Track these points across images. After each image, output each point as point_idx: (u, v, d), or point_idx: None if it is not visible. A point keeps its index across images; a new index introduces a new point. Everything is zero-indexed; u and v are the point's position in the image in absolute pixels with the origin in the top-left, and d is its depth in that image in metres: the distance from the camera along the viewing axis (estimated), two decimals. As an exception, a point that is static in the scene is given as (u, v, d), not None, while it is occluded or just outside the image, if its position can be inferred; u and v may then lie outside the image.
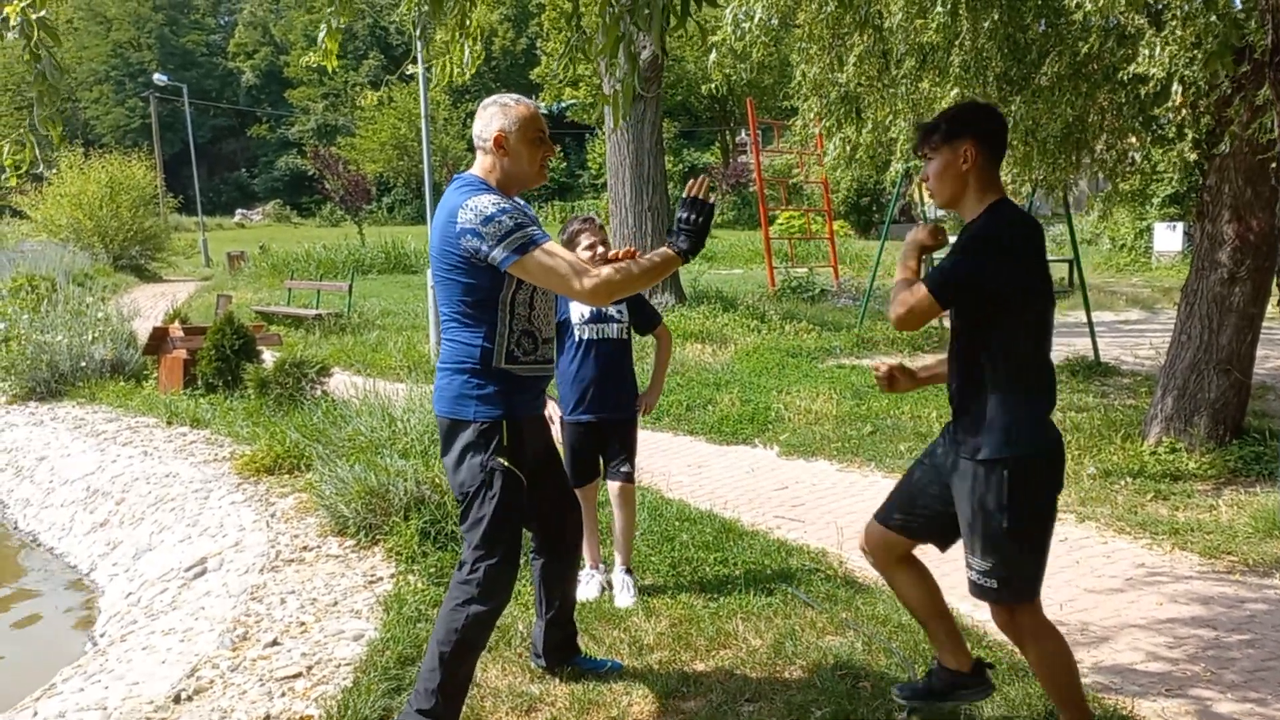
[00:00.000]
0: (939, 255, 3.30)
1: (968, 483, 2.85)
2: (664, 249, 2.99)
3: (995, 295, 2.76)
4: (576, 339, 4.31)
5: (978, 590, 2.90)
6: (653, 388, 4.48)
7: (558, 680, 3.57)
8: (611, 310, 4.31)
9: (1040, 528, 2.86)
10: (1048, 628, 2.95)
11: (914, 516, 3.12)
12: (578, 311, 4.29)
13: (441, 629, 3.08)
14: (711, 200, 3.04)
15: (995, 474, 2.78)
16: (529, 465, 3.16)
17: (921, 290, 2.77)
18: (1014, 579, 2.84)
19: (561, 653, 3.63)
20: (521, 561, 3.28)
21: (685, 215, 3.01)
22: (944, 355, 3.16)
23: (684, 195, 3.05)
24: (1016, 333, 2.81)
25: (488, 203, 2.93)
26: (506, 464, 3.05)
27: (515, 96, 3.15)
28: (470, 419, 3.04)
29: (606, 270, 2.93)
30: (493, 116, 3.08)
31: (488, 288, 3.00)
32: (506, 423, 3.06)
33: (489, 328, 3.03)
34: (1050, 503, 2.88)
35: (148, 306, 17.45)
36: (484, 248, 2.89)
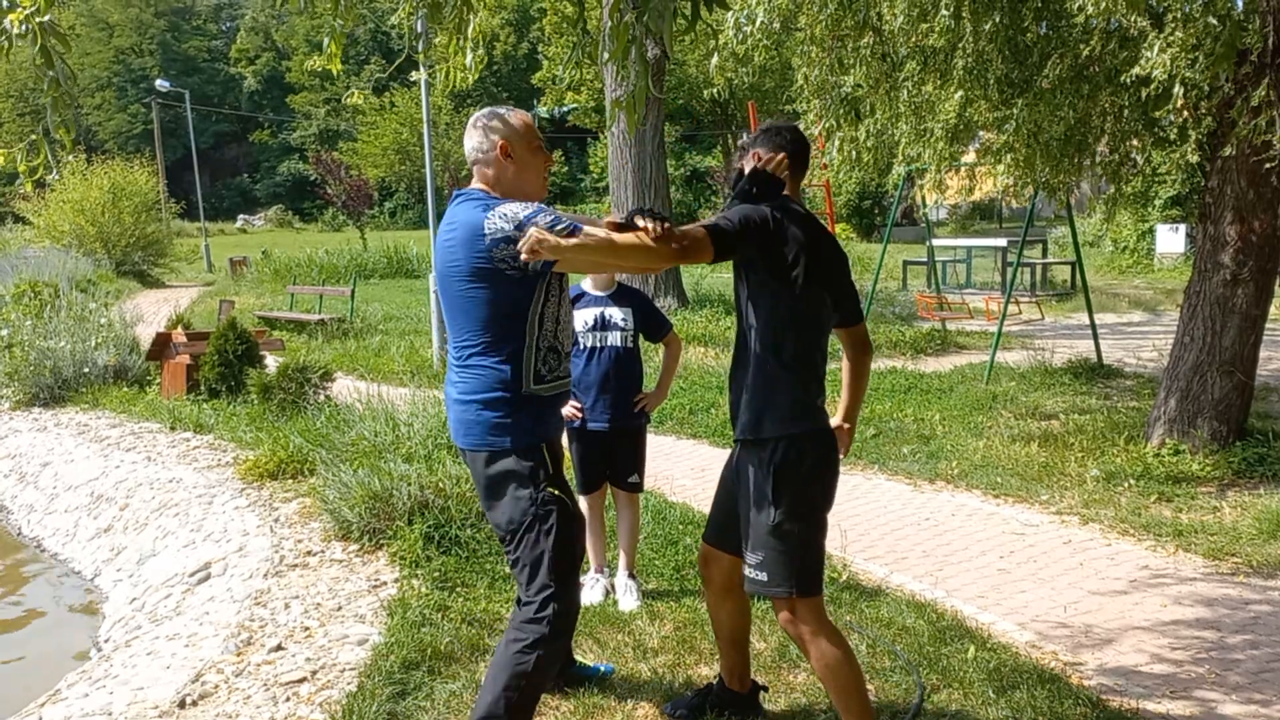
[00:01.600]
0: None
1: (742, 473, 2.91)
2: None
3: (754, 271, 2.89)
4: (581, 346, 4.29)
5: (751, 585, 2.89)
6: (658, 390, 4.45)
7: (561, 685, 3.57)
8: (616, 318, 4.29)
9: (807, 517, 2.86)
10: (829, 629, 2.91)
11: (725, 527, 3.09)
12: (580, 319, 4.27)
13: (506, 674, 2.86)
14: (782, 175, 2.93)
15: (762, 455, 2.86)
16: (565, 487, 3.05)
17: (701, 230, 2.75)
18: (784, 571, 2.83)
19: (561, 662, 3.58)
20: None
21: (745, 187, 2.90)
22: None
23: (752, 167, 2.93)
24: (779, 315, 2.90)
25: (517, 208, 2.83)
26: (558, 493, 2.93)
27: (507, 108, 3.08)
28: (510, 448, 2.90)
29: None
30: (492, 129, 2.99)
31: (516, 301, 2.87)
32: (545, 446, 2.96)
33: (514, 349, 2.89)
34: (816, 496, 2.90)
35: (150, 312, 17.48)
36: (517, 234, 2.75)
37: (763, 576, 2.84)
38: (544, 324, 2.94)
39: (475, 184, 3.03)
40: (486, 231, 2.81)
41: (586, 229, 2.76)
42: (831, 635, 2.89)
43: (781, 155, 2.93)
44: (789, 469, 2.82)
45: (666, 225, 2.66)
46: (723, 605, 3.20)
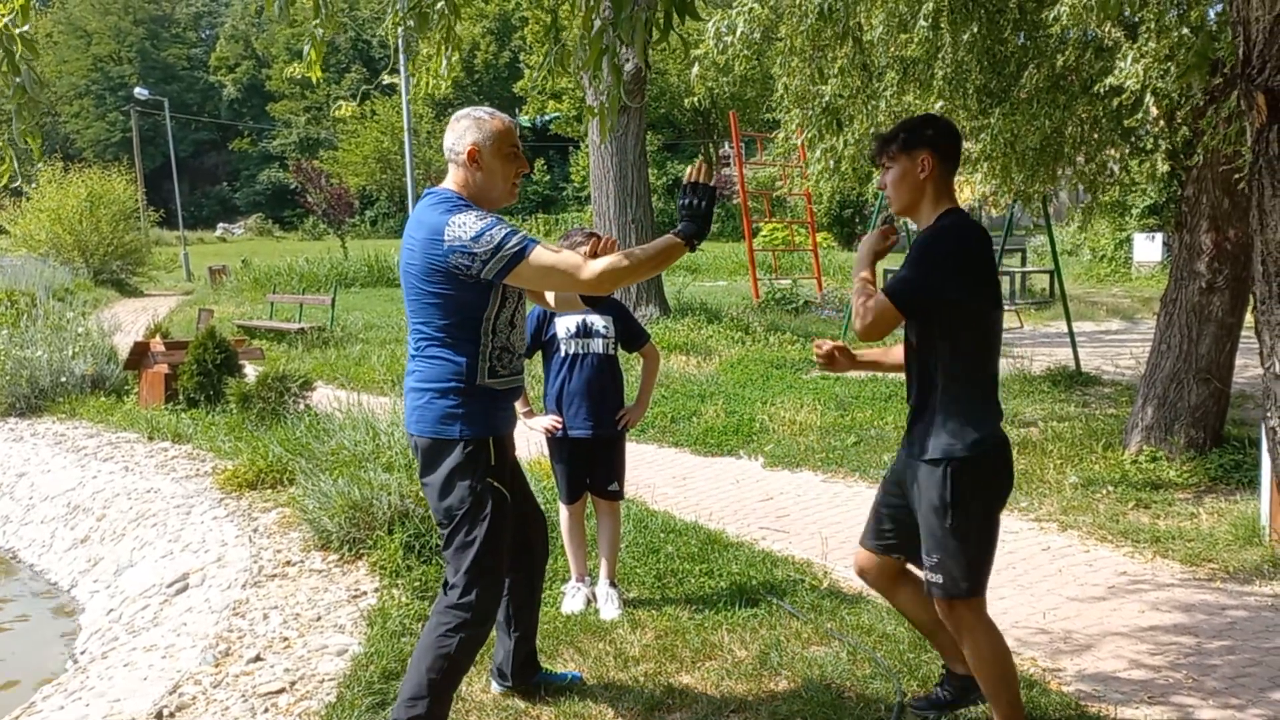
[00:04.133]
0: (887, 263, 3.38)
1: (918, 483, 2.95)
2: (666, 235, 2.92)
3: (949, 305, 2.84)
4: (563, 354, 4.29)
5: (925, 586, 2.99)
6: (638, 404, 4.45)
7: (543, 695, 3.56)
8: (598, 325, 4.29)
9: (982, 525, 2.94)
10: (988, 625, 3.02)
11: (886, 533, 3.21)
12: (563, 326, 4.27)
13: (429, 655, 2.99)
14: (712, 183, 3.00)
15: (939, 472, 2.88)
16: (507, 482, 3.13)
17: (884, 299, 2.82)
18: (955, 574, 2.91)
19: (526, 671, 3.56)
20: None
21: (686, 200, 2.95)
22: (885, 347, 3.29)
23: (684, 181, 2.99)
24: (966, 342, 2.90)
25: (473, 219, 2.89)
26: (496, 484, 3.02)
27: (489, 110, 3.11)
28: (456, 438, 2.99)
29: (608, 259, 2.88)
30: (466, 130, 3.03)
31: (472, 306, 2.96)
32: (492, 440, 3.04)
33: (470, 346, 2.99)
34: (992, 502, 2.97)
35: (129, 321, 17.34)
36: (475, 265, 2.87)
37: (937, 579, 2.94)
38: (498, 326, 3.04)
39: (447, 183, 3.08)
40: (445, 238, 2.89)
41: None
42: (990, 632, 3.02)
43: (700, 160, 3.12)
44: (973, 482, 2.92)
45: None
46: (894, 595, 3.30)
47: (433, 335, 3.01)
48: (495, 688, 3.61)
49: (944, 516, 2.88)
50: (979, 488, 2.91)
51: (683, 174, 3.12)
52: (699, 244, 2.93)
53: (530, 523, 3.43)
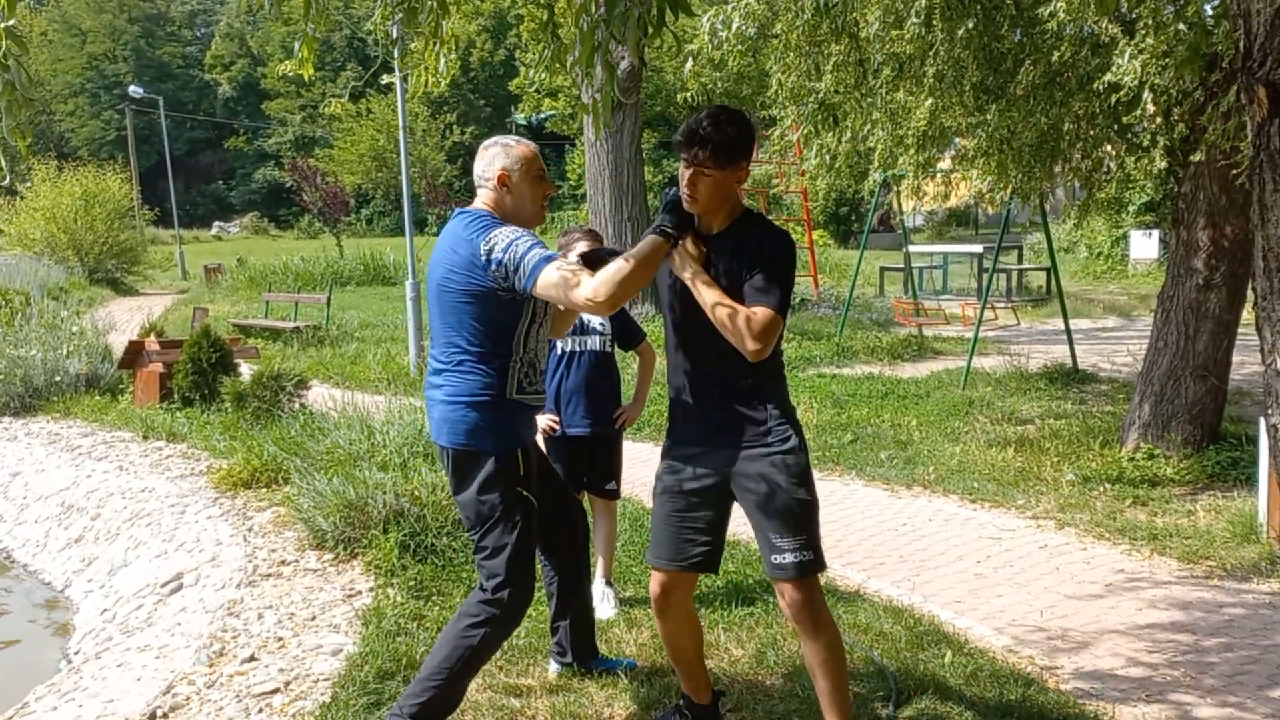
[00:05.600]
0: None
1: (767, 475, 2.90)
2: (647, 235, 2.92)
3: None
4: (559, 351, 4.27)
5: (798, 568, 2.89)
6: (634, 403, 4.43)
7: (538, 691, 3.55)
8: (595, 322, 4.27)
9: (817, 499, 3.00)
10: (831, 617, 3.01)
11: (695, 545, 3.06)
12: (560, 324, 4.26)
13: (451, 644, 3.12)
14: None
15: (792, 459, 2.90)
16: (534, 482, 3.26)
17: (766, 313, 2.77)
18: (817, 547, 2.93)
19: (585, 651, 3.71)
20: None
21: (668, 193, 2.98)
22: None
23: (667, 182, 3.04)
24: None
25: (508, 233, 3.02)
26: (527, 494, 3.16)
27: (516, 137, 3.29)
28: (490, 451, 3.10)
29: (602, 278, 2.85)
30: (495, 156, 3.19)
31: (506, 321, 3.09)
32: (521, 451, 3.16)
33: (502, 360, 3.11)
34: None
35: (123, 320, 17.31)
36: (514, 278, 2.97)
37: (809, 556, 2.90)
38: (529, 341, 3.17)
39: (479, 203, 3.22)
40: (483, 253, 3.01)
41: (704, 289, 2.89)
42: (834, 624, 3.01)
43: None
44: (807, 461, 2.97)
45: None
46: (684, 628, 3.18)
47: (466, 349, 3.11)
48: (554, 667, 3.73)
49: (804, 495, 2.90)
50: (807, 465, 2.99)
51: (677, 173, 3.08)
52: (677, 236, 2.90)
53: (564, 507, 3.58)
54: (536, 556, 3.38)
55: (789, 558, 2.88)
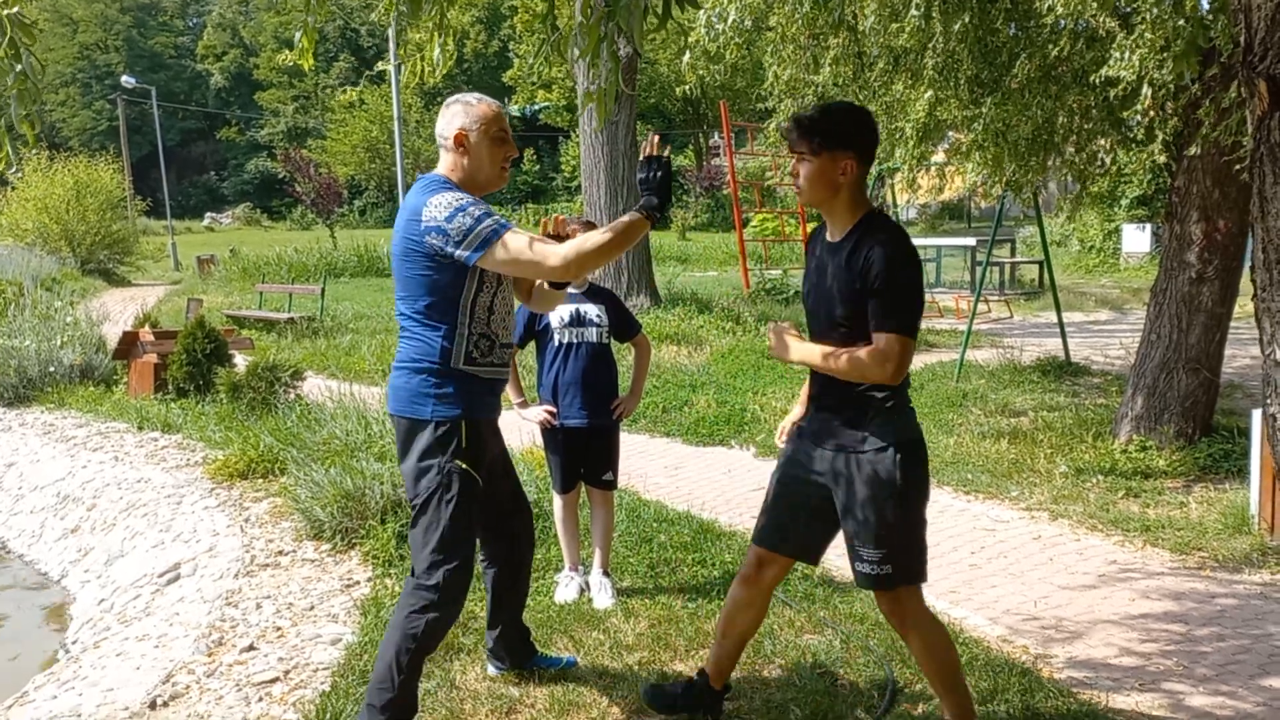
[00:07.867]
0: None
1: (856, 479, 2.84)
2: (628, 213, 2.94)
3: None
4: (556, 343, 4.29)
5: (868, 580, 2.88)
6: (631, 394, 4.45)
7: (537, 682, 3.57)
8: (591, 314, 4.29)
9: (922, 508, 2.91)
10: (930, 615, 2.99)
11: (791, 532, 3.07)
12: (557, 316, 4.27)
13: (397, 635, 3.03)
14: (666, 154, 3.04)
15: (883, 468, 2.80)
16: (485, 469, 3.13)
17: (891, 339, 2.71)
18: (905, 561, 2.86)
19: (522, 653, 3.61)
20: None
21: (643, 175, 3.01)
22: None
23: (640, 158, 3.05)
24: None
25: (451, 200, 2.92)
26: (464, 466, 3.02)
27: (478, 95, 3.13)
28: (428, 418, 3.01)
29: (572, 244, 2.86)
30: (454, 115, 3.07)
31: (448, 287, 2.98)
32: (465, 423, 3.04)
33: (449, 327, 3.01)
34: (927, 484, 2.94)
35: (117, 311, 17.26)
36: (449, 246, 2.88)
37: (887, 570, 2.84)
38: (475, 312, 3.04)
39: (438, 169, 3.12)
40: (423, 219, 2.93)
41: None
42: (935, 623, 2.99)
43: (653, 135, 3.11)
44: (916, 466, 2.87)
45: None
46: (752, 608, 3.17)
47: (412, 315, 3.05)
48: (492, 670, 3.64)
49: (893, 504, 2.80)
50: (925, 471, 2.89)
51: (673, 164, 3.12)
52: (660, 216, 2.97)
53: (514, 518, 3.44)
54: (476, 547, 3.22)
55: (863, 568, 2.88)
